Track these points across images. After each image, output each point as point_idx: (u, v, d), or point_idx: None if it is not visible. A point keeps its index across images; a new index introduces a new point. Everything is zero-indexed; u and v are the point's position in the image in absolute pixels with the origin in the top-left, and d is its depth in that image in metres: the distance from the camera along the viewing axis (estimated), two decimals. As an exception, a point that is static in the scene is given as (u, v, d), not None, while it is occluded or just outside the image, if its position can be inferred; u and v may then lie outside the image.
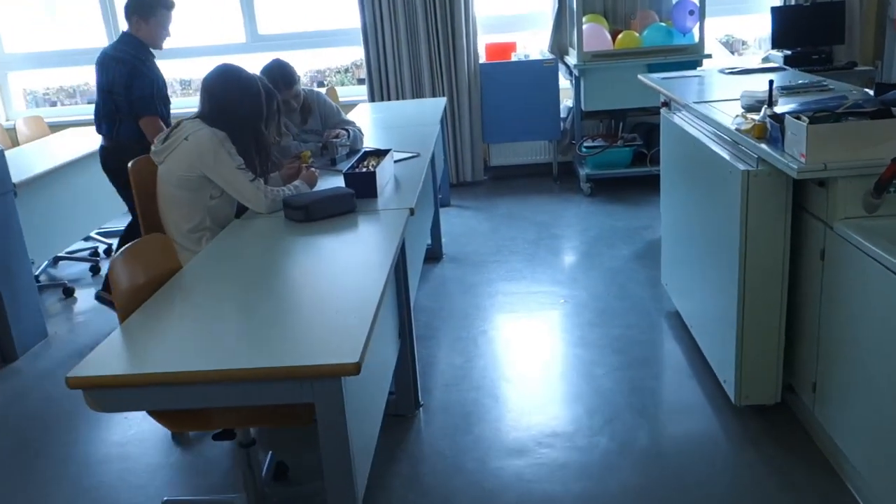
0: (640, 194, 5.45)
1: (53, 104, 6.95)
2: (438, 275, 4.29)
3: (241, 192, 2.73)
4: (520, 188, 5.91)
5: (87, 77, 6.87)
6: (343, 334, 1.78)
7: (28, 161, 4.40)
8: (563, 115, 5.97)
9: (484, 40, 6.01)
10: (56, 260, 4.90)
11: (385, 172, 3.04)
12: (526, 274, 4.19)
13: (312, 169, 3.06)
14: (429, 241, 4.46)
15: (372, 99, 6.00)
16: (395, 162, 3.39)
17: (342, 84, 6.93)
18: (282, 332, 1.82)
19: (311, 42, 6.35)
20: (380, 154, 3.20)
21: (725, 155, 2.66)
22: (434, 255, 4.52)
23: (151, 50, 3.83)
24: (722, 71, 4.28)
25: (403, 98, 5.94)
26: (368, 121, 4.92)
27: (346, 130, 3.65)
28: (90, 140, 4.85)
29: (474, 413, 2.87)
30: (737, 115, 2.76)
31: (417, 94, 5.95)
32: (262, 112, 2.79)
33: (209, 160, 2.67)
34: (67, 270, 4.86)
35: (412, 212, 2.69)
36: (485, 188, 6.02)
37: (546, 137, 6.02)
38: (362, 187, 2.85)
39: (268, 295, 2.06)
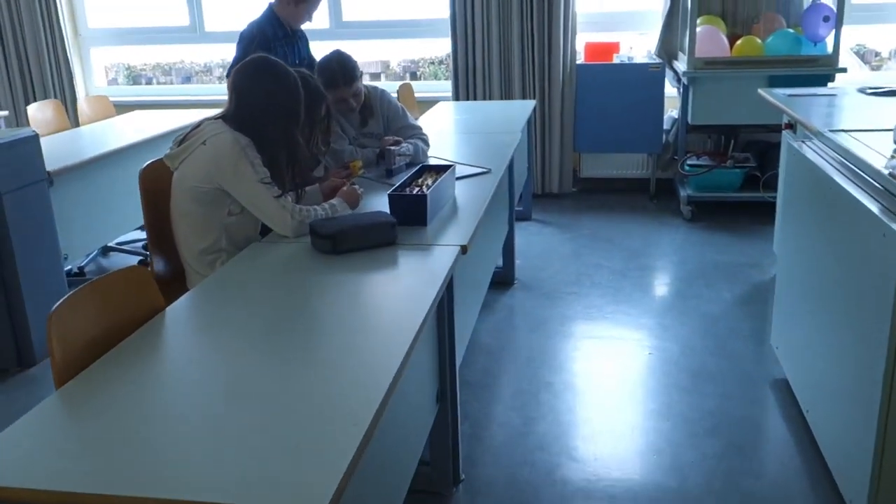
0: (748, 224, 4.76)
1: (149, 81, 6.78)
2: (506, 305, 3.77)
3: (264, 210, 2.28)
4: (611, 205, 5.30)
5: (182, 54, 6.70)
6: (339, 423, 1.32)
7: (80, 145, 4.12)
8: (666, 126, 5.33)
9: (584, 38, 5.42)
10: (106, 250, 4.63)
11: (442, 195, 2.55)
12: (607, 313, 3.62)
13: (355, 185, 2.59)
14: (499, 264, 3.94)
15: (456, 97, 5.51)
16: (460, 178, 2.89)
17: (435, 76, 6.48)
18: (260, 440, 1.33)
19: (398, 32, 5.92)
20: (440, 170, 2.71)
21: (874, 208, 2.03)
22: (504, 279, 4.00)
23: (288, 28, 3.86)
24: (862, 90, 3.59)
25: (490, 98, 5.43)
26: (447, 121, 4.43)
27: (408, 142, 3.16)
28: (155, 123, 4.56)
29: (523, 498, 2.35)
30: (892, 157, 2.13)
31: (506, 94, 5.43)
32: (297, 115, 2.33)
33: (227, 171, 2.24)
34: (121, 262, 4.58)
35: (464, 250, 2.19)
36: (571, 202, 5.44)
37: (645, 150, 5.39)
38: (410, 213, 2.36)
39: (259, 365, 1.60)
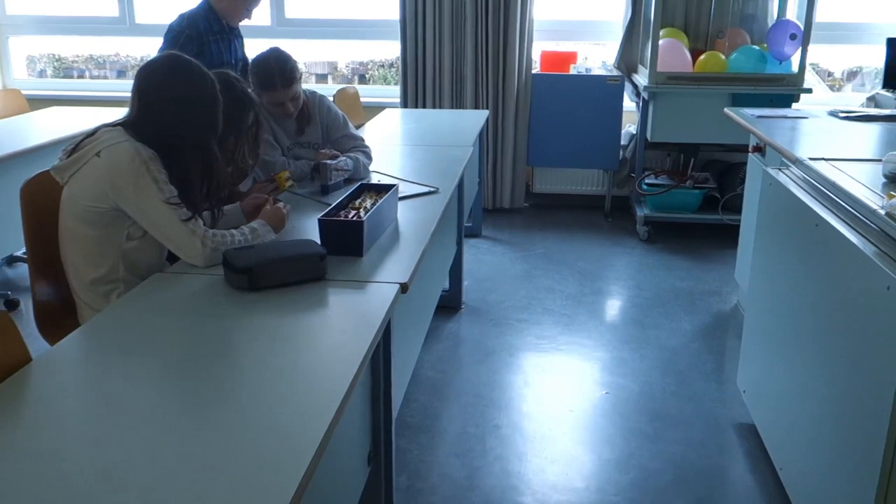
0: (707, 247, 4.56)
1: (82, 74, 6.29)
2: (452, 332, 3.47)
3: (169, 235, 1.94)
4: (564, 222, 5.06)
5: (116, 47, 6.23)
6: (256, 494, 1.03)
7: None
8: (623, 142, 5.11)
9: (540, 47, 5.17)
10: (10, 260, 4.19)
11: (382, 219, 2.24)
12: (560, 344, 3.35)
13: (280, 204, 2.26)
14: (446, 286, 3.65)
15: (405, 104, 5.20)
16: (404, 199, 2.59)
17: (385, 80, 6.16)
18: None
19: (345, 32, 5.58)
20: (381, 190, 2.40)
21: (869, 252, 1.79)
22: (451, 302, 3.70)
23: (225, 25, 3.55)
24: (834, 114, 3.40)
25: (441, 106, 5.13)
26: (393, 130, 4.13)
27: (348, 156, 2.84)
28: (71, 121, 4.14)
29: (467, 570, 2.06)
30: (891, 197, 1.89)
31: (458, 103, 5.14)
32: (213, 125, 2.00)
33: (126, 188, 1.89)
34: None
35: (404, 289, 1.88)
36: (523, 218, 5.18)
37: (601, 166, 5.15)
38: (343, 241, 2.04)
39: (155, 423, 1.27)
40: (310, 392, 1.41)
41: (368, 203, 2.29)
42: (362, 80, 6.40)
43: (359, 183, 2.46)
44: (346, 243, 2.04)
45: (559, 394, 2.95)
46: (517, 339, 3.39)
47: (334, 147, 2.94)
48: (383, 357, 1.89)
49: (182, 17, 3.56)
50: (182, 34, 3.45)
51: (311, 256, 1.86)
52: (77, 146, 1.94)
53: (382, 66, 6.33)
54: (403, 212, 2.48)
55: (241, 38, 3.77)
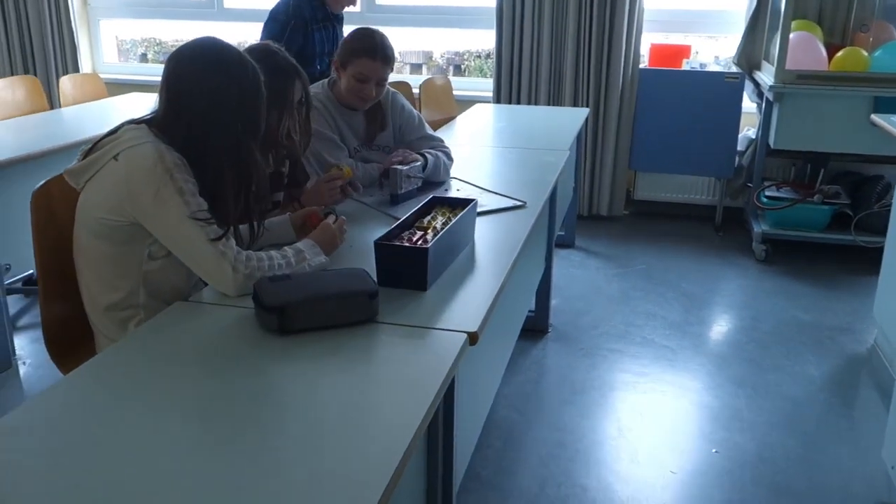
0: (835, 272, 3.98)
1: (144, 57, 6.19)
2: (535, 361, 3.07)
3: (194, 258, 1.61)
4: (668, 234, 4.55)
5: (210, 31, 6.07)
6: None
7: (40, 133, 3.49)
8: (740, 147, 4.56)
9: (649, 39, 4.67)
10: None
11: (453, 244, 1.85)
12: (661, 385, 2.90)
13: (342, 217, 1.91)
14: (531, 308, 3.24)
15: (497, 99, 4.80)
16: (484, 214, 2.20)
17: (480, 71, 5.80)
18: None
19: (439, 20, 5.20)
20: (456, 206, 2.01)
21: None
22: (536, 325, 3.29)
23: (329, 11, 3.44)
24: None
25: (536, 102, 4.71)
26: (482, 128, 3.75)
27: (424, 155, 2.47)
28: (141, 109, 3.93)
29: None
30: None
31: (555, 99, 4.70)
32: (255, 121, 1.66)
33: (144, 199, 1.57)
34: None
35: (473, 339, 1.50)
36: (622, 227, 4.70)
37: (713, 174, 4.62)
38: (403, 270, 1.67)
39: (176, 476, 0.94)
40: (346, 476, 1.06)
41: (439, 222, 1.91)
42: (458, 70, 6.06)
43: (431, 195, 2.08)
44: (407, 274, 1.67)
45: (659, 449, 2.50)
46: (611, 375, 2.95)
47: (407, 150, 2.58)
48: (444, 423, 1.52)
49: (287, 4, 3.33)
50: (288, 23, 3.29)
51: (358, 295, 1.49)
52: (95, 146, 1.64)
53: (479, 56, 5.98)
54: (483, 229, 2.09)
55: (342, 25, 3.53)
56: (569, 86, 4.62)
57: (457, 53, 6.12)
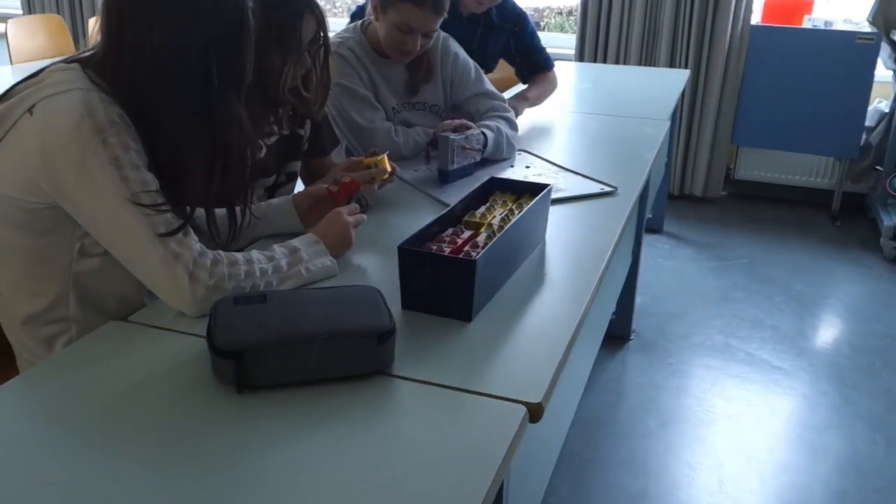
0: None
1: None
2: (614, 377, 2.52)
3: (136, 259, 1.12)
4: (775, 221, 3.90)
5: None
6: None
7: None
8: (868, 122, 3.85)
9: (765, -8, 3.98)
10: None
11: (514, 250, 1.32)
12: (774, 419, 2.31)
13: (361, 215, 1.39)
14: (613, 310, 2.68)
15: (580, 57, 4.19)
16: (559, 202, 1.65)
17: (561, 29, 5.24)
18: None
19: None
20: (523, 193, 1.47)
21: None
22: (617, 330, 2.74)
23: None
24: None
25: (626, 62, 4.08)
26: (562, 92, 3.15)
27: (483, 133, 1.91)
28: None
29: None
30: None
31: (648, 58, 4.06)
32: (236, 59, 1.14)
33: (64, 172, 1.08)
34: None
35: (536, 415, 0.96)
36: (719, 211, 4.06)
37: (832, 153, 3.93)
38: (439, 291, 1.15)
39: None
40: None
41: (497, 216, 1.37)
42: (537, 27, 5.50)
43: (489, 177, 1.54)
44: (444, 296, 1.15)
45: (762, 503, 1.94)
46: (707, 398, 2.39)
47: (461, 111, 2.03)
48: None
49: None
50: None
51: (360, 335, 0.97)
52: (8, 92, 1.15)
53: (560, 13, 5.42)
54: (557, 225, 1.54)
55: None
56: (665, 43, 3.97)
57: (536, 10, 5.57)
